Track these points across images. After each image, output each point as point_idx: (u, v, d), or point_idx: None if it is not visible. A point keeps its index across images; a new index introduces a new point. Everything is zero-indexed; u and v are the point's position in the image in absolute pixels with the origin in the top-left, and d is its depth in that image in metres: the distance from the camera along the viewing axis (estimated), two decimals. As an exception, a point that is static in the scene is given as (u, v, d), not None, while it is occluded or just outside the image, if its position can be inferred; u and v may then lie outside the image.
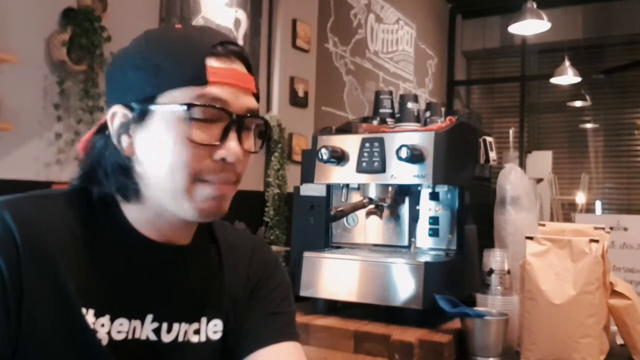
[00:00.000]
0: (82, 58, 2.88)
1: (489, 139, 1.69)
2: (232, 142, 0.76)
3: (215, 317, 0.86)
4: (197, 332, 0.83)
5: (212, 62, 0.76)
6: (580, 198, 7.07)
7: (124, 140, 0.77)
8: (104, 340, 0.75)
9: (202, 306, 0.85)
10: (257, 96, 0.82)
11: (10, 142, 2.68)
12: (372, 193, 1.56)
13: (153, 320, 0.79)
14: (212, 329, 0.85)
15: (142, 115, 0.76)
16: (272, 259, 0.98)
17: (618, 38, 7.16)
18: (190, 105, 0.74)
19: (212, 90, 0.75)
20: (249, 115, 0.79)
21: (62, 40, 2.80)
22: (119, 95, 0.78)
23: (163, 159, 0.75)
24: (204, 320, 0.85)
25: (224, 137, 0.76)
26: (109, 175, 0.79)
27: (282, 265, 1.01)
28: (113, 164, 0.78)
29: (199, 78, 0.75)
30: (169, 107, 0.74)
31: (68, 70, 2.85)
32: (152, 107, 0.75)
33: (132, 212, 0.80)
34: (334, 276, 1.51)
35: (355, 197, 1.61)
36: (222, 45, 0.78)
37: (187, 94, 0.74)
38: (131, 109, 0.76)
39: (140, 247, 0.80)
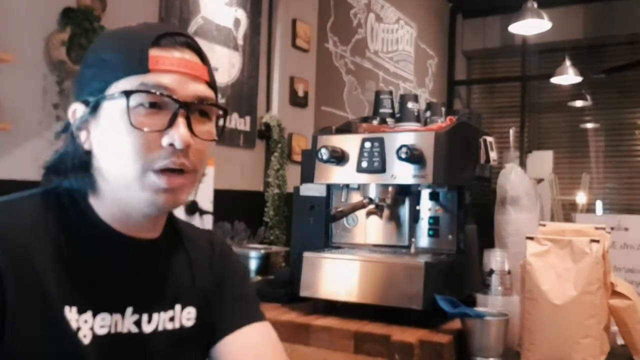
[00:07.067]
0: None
1: (489, 138, 1.69)
2: (179, 127, 0.76)
3: (189, 304, 0.88)
4: (172, 319, 0.86)
5: (155, 52, 0.77)
6: (581, 198, 7.05)
7: (83, 135, 0.80)
8: (88, 337, 0.75)
9: (175, 295, 0.87)
10: (211, 85, 0.82)
11: (10, 142, 2.68)
12: (372, 193, 1.56)
13: (133, 313, 0.81)
14: (186, 316, 0.88)
15: (94, 109, 0.78)
16: (229, 249, 1.03)
17: (619, 38, 7.15)
18: (129, 93, 0.75)
19: (154, 77, 0.76)
20: (197, 102, 0.79)
21: (61, 40, 2.79)
22: (79, 92, 0.81)
23: (113, 150, 0.77)
24: (178, 307, 0.87)
25: (171, 123, 0.76)
26: (68, 172, 0.80)
27: (237, 253, 1.06)
28: (74, 159, 0.80)
29: (141, 67, 0.76)
30: (114, 97, 0.76)
31: (67, 70, 2.84)
32: (101, 100, 0.77)
33: (99, 208, 0.81)
34: (334, 276, 1.50)
35: (355, 197, 1.60)
36: (169, 36, 0.79)
37: (130, 83, 0.76)
38: (86, 104, 0.79)
39: (113, 242, 0.81)
